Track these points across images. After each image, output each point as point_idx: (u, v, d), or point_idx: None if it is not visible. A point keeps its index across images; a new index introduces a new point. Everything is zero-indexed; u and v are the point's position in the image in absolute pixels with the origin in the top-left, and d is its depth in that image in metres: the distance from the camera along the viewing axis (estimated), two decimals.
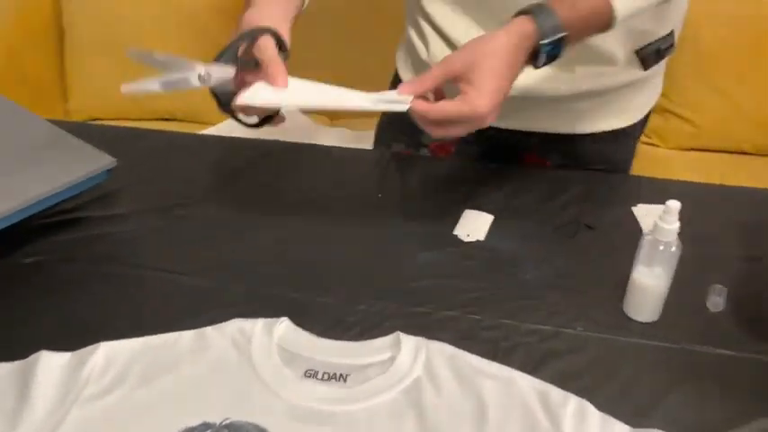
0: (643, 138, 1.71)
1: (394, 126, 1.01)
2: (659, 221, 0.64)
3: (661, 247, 0.65)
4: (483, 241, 0.80)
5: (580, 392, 0.60)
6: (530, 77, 0.83)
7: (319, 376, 0.62)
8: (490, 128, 0.92)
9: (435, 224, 0.82)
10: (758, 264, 0.67)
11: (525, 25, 0.67)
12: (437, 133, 0.68)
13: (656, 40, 0.84)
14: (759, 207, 0.73)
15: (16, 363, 0.62)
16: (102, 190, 0.82)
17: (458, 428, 0.57)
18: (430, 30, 0.89)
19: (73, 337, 0.65)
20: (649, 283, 0.68)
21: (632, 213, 0.84)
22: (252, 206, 0.86)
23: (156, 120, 1.66)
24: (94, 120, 1.64)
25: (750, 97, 1.57)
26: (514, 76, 0.69)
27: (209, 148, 0.99)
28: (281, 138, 1.00)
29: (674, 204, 0.63)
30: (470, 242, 0.79)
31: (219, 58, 0.70)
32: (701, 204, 0.78)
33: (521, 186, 0.88)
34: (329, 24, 1.62)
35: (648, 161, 1.63)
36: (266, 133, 0.97)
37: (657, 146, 1.68)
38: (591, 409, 0.58)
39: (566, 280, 0.74)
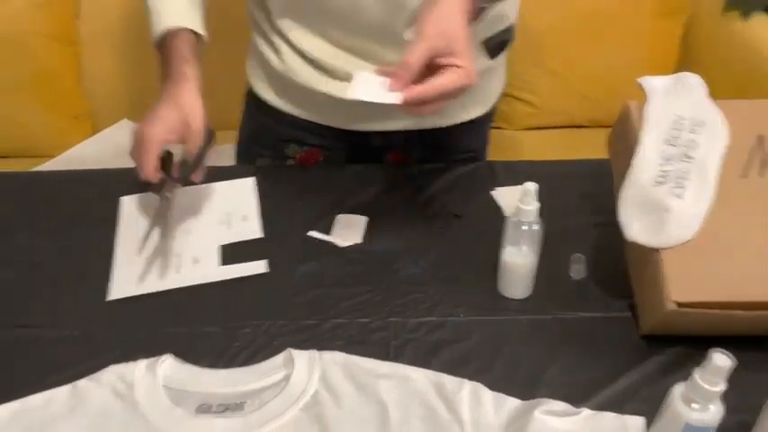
0: None
1: (257, 142, 0.99)
2: (520, 204, 0.68)
3: (524, 227, 0.70)
4: (360, 244, 0.80)
5: (471, 376, 0.62)
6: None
7: (214, 410, 0.60)
8: (355, 132, 0.93)
9: (311, 234, 0.82)
10: (610, 229, 0.73)
11: None
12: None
13: (500, 32, 0.89)
14: (602, 176, 0.79)
15: None
16: None
17: None
18: (281, 42, 0.88)
19: None
20: (518, 261, 0.72)
21: (492, 197, 0.89)
22: (107, 242, 0.80)
23: None
24: None
25: (578, 76, 1.71)
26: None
27: (44, 184, 0.91)
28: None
29: (531, 186, 0.67)
30: (347, 247, 0.80)
31: None
32: (551, 180, 0.83)
33: (387, 185, 0.90)
34: None
35: (497, 144, 1.72)
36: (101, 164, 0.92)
37: (504, 128, 1.78)
38: (484, 390, 0.61)
39: (443, 270, 0.77)
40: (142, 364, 0.62)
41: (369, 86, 0.66)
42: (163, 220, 0.78)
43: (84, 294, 0.73)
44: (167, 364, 0.63)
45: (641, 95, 0.74)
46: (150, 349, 0.64)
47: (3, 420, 0.57)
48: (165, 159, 0.77)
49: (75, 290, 0.74)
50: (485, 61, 0.91)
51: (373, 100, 0.65)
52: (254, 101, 0.97)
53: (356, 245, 0.80)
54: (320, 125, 0.94)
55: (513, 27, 0.92)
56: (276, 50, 0.89)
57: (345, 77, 0.84)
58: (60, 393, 0.60)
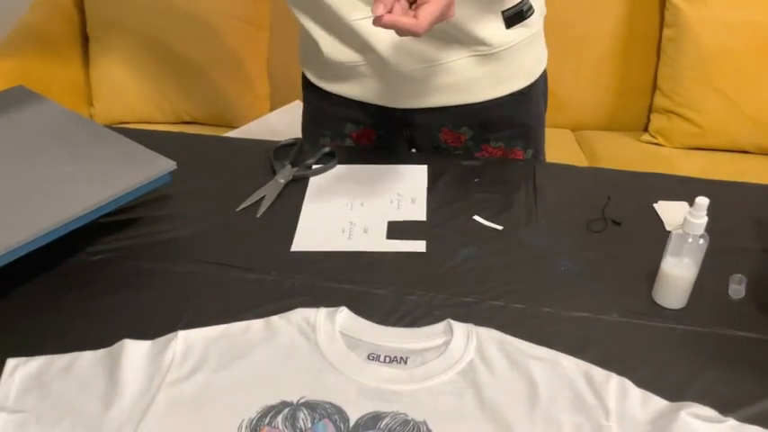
0: (648, 137, 1.79)
1: (317, 123, 1.08)
2: (689, 216, 0.70)
3: (690, 240, 0.72)
4: (519, 237, 0.85)
5: (619, 373, 0.66)
6: (429, 51, 0.91)
7: (381, 359, 0.68)
8: (401, 110, 0.99)
9: (471, 220, 0.88)
10: None
11: None
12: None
13: (516, 5, 0.92)
14: None
15: (100, 351, 0.68)
16: (157, 191, 0.88)
17: (513, 405, 0.63)
18: (316, 25, 0.94)
19: (147, 328, 0.70)
20: (678, 273, 0.74)
21: (653, 209, 0.91)
22: (291, 201, 0.91)
23: (179, 123, 1.71)
24: (120, 123, 1.69)
25: (750, 99, 1.64)
26: None
27: (248, 149, 1.03)
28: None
29: (703, 201, 0.69)
30: (509, 238, 0.85)
31: None
32: (715, 200, 0.84)
33: (547, 184, 0.94)
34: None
35: (654, 160, 1.70)
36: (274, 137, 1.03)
37: (662, 145, 1.75)
38: (631, 385, 0.64)
39: (599, 272, 0.80)
40: (323, 311, 0.71)
41: None
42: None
43: (286, 246, 0.84)
44: (344, 315, 0.71)
45: None
46: (328, 299, 0.74)
47: (212, 338, 0.69)
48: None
49: (275, 239, 0.85)
50: (507, 35, 0.93)
51: None
52: (308, 85, 1.05)
53: (517, 237, 0.85)
54: (368, 104, 1.00)
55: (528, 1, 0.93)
56: (313, 35, 0.95)
57: (380, 49, 0.90)
58: (257, 324, 0.71)
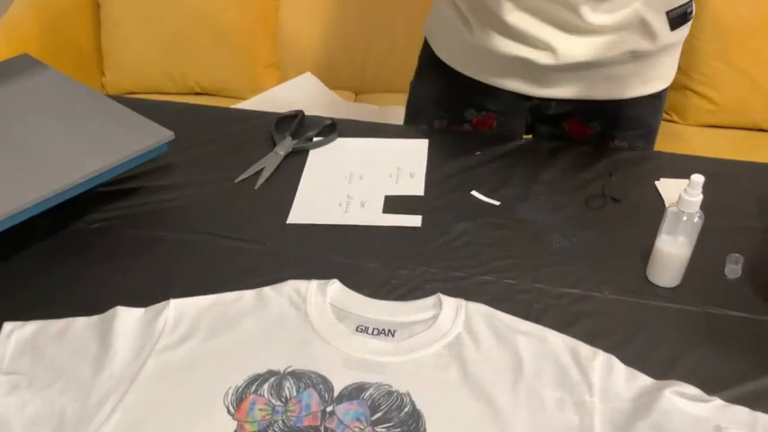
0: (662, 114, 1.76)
1: (436, 104, 1.04)
2: (684, 194, 0.69)
3: (684, 218, 0.71)
4: (516, 212, 0.85)
5: (607, 349, 0.66)
6: (588, 49, 0.87)
7: (369, 331, 0.68)
8: (533, 99, 0.97)
9: (469, 196, 0.88)
10: None
11: None
12: None
13: (683, 4, 0.89)
14: None
15: (94, 317, 0.69)
16: (157, 161, 0.88)
17: (497, 379, 0.63)
18: (474, 16, 0.91)
19: (141, 296, 0.71)
20: (672, 251, 0.73)
21: (655, 187, 0.89)
22: (290, 173, 0.91)
23: (189, 94, 1.72)
24: (129, 93, 1.70)
25: None
26: None
27: (251, 120, 1.04)
28: (314, 113, 1.05)
29: (698, 178, 0.68)
30: (504, 213, 0.85)
31: None
32: (719, 178, 0.83)
33: (549, 161, 0.93)
34: None
35: (667, 137, 1.66)
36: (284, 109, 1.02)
37: (676, 122, 1.72)
38: (617, 362, 0.64)
39: (593, 249, 0.80)
40: (314, 284, 0.72)
41: None
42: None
43: (280, 219, 0.84)
44: (335, 287, 0.72)
45: None
46: (321, 272, 0.74)
47: (203, 307, 0.70)
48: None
49: (270, 212, 0.85)
50: (669, 36, 0.91)
51: None
52: (435, 64, 1.00)
53: (512, 212, 0.85)
54: (502, 90, 0.96)
55: (693, 1, 0.91)
56: (465, 21, 0.92)
57: (540, 45, 0.88)
58: (248, 294, 0.71)
